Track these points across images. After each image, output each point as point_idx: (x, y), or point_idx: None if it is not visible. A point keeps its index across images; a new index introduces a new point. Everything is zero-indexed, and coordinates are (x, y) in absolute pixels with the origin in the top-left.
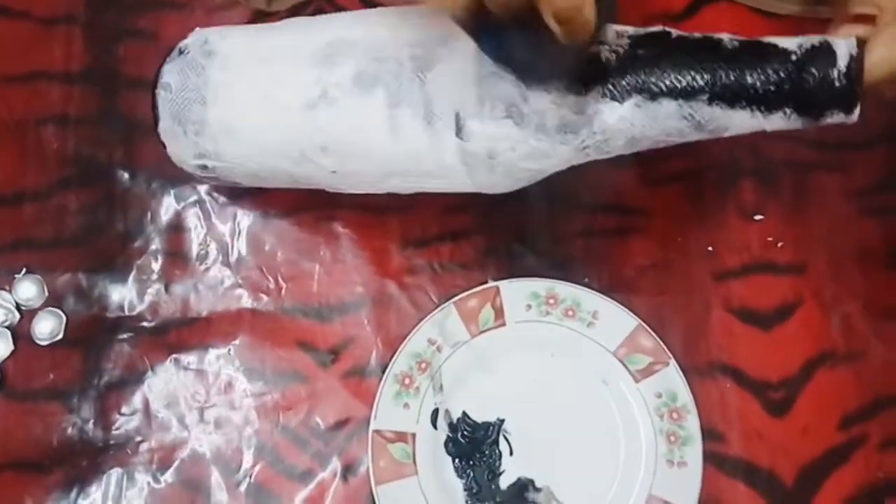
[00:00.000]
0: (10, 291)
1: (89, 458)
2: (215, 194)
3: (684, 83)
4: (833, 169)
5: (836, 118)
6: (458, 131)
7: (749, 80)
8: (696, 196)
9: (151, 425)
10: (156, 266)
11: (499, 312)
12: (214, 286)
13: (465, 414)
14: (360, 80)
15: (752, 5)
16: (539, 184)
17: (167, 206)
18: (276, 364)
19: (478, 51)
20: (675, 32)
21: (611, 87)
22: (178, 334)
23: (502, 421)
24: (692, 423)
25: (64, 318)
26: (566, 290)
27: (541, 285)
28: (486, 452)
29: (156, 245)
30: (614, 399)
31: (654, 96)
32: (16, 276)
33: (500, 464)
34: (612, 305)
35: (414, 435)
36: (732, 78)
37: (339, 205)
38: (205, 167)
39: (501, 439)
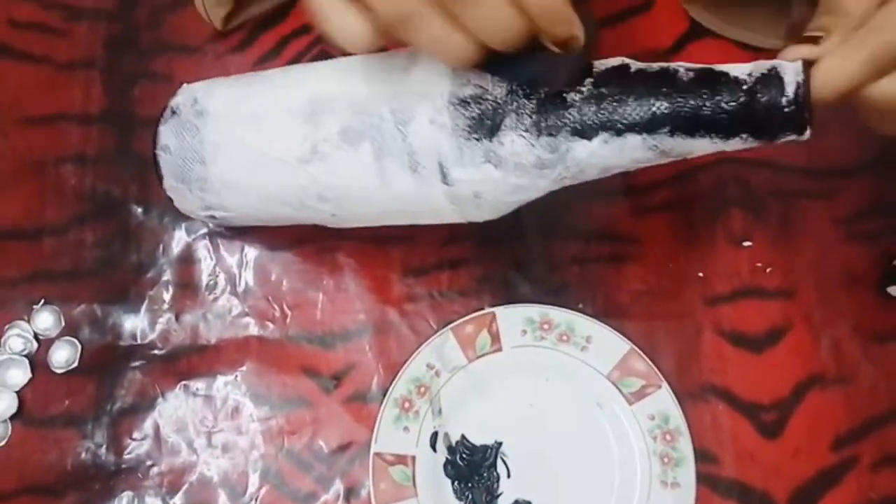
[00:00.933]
0: (28, 322)
1: (102, 482)
2: (225, 228)
3: (646, 118)
4: (819, 196)
5: (789, 138)
6: (444, 178)
7: (704, 111)
8: (685, 224)
9: (161, 450)
10: (167, 296)
11: (495, 338)
12: (223, 315)
13: (463, 437)
14: (346, 135)
15: (736, 39)
16: (534, 215)
17: (178, 239)
18: (281, 390)
19: (451, 104)
20: (633, 65)
21: (578, 125)
22: (187, 362)
23: (500, 444)
24: (685, 445)
25: (79, 347)
26: (560, 316)
27: (535, 311)
28: (485, 475)
29: (167, 276)
30: (608, 421)
31: (619, 132)
32: (34, 307)
33: (497, 486)
34: (605, 330)
35: (414, 458)
36: (689, 111)
37: (342, 236)
38: (213, 217)
39: (499, 462)
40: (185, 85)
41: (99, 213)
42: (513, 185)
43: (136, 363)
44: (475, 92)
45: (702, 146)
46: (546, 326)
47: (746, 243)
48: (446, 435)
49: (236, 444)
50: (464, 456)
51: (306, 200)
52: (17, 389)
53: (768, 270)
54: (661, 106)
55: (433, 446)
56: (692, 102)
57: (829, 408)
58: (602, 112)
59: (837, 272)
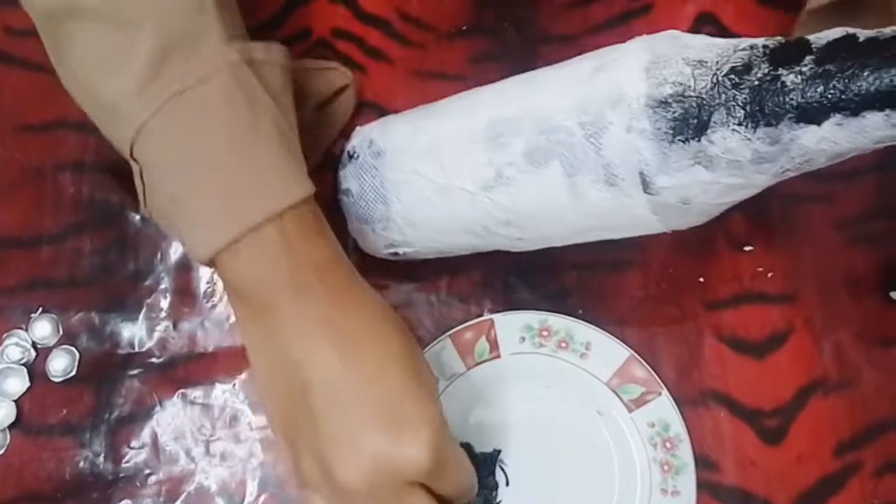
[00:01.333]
0: (26, 330)
1: (100, 491)
2: None
3: (887, 91)
4: (821, 199)
5: None
6: (646, 188)
7: None
8: (686, 229)
9: (160, 458)
10: (165, 304)
11: (493, 345)
12: (220, 322)
13: (464, 445)
14: (533, 156)
15: None
16: None
17: (176, 247)
18: None
19: (649, 107)
20: (861, 34)
21: (804, 110)
22: (185, 370)
23: (498, 452)
24: (685, 452)
25: (77, 356)
26: (559, 322)
27: (534, 318)
28: (484, 483)
29: (165, 284)
30: (608, 429)
31: (855, 112)
32: (32, 315)
33: (496, 494)
34: (605, 337)
35: None
36: None
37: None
38: (396, 254)
39: (498, 470)
40: (358, 127)
41: (97, 222)
42: (725, 185)
43: (134, 371)
44: (675, 90)
45: None
46: (545, 333)
47: (748, 248)
48: None
49: (234, 452)
50: None
51: (492, 227)
52: (15, 398)
53: (770, 275)
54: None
55: None
56: None
57: (832, 413)
58: (832, 91)
59: (840, 276)
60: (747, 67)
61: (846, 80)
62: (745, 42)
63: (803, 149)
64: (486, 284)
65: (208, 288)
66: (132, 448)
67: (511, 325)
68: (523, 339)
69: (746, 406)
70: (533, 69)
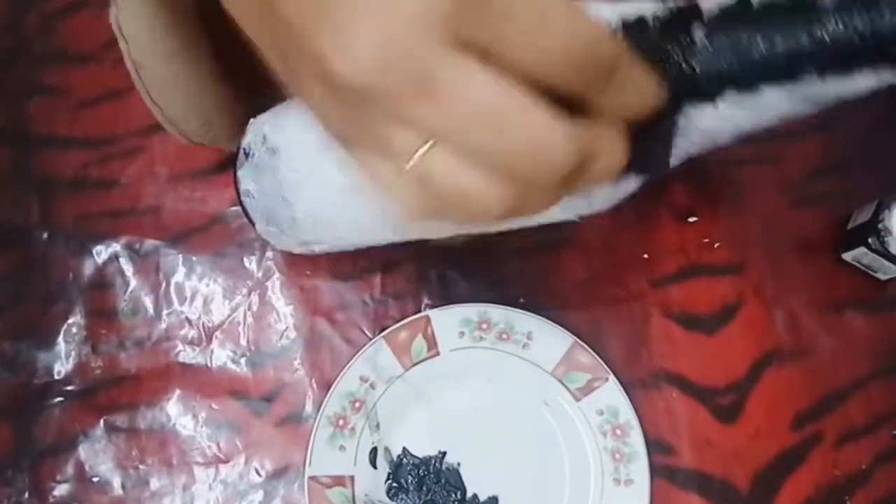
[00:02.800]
0: None
1: None
2: (137, 246)
3: (785, 62)
4: (764, 162)
5: None
6: None
7: (863, 38)
8: (626, 202)
9: (88, 490)
10: (81, 327)
11: (431, 342)
12: (141, 342)
13: (405, 450)
14: None
15: None
16: None
17: (88, 265)
18: (209, 416)
19: None
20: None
21: (695, 87)
22: (107, 395)
23: (444, 453)
24: (636, 439)
25: None
26: (498, 314)
27: (472, 311)
28: (434, 488)
29: (80, 305)
30: (556, 420)
31: (752, 86)
32: None
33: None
34: (547, 324)
35: (352, 477)
36: (841, 41)
37: (264, 245)
38: (312, 250)
39: (453, 474)
40: (251, 120)
41: (0, 244)
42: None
43: (54, 401)
44: None
45: (866, 82)
46: (484, 326)
47: (692, 219)
48: (387, 450)
49: (167, 478)
50: (409, 470)
51: (402, 220)
52: None
53: (716, 245)
54: (802, 42)
55: (373, 463)
56: (843, 29)
57: (788, 385)
58: (726, 65)
59: (788, 241)
60: (637, 43)
61: (740, 53)
62: (633, 11)
63: (702, 130)
64: (422, 279)
65: (126, 306)
66: (58, 482)
67: (448, 319)
68: (462, 333)
69: (699, 384)
70: None
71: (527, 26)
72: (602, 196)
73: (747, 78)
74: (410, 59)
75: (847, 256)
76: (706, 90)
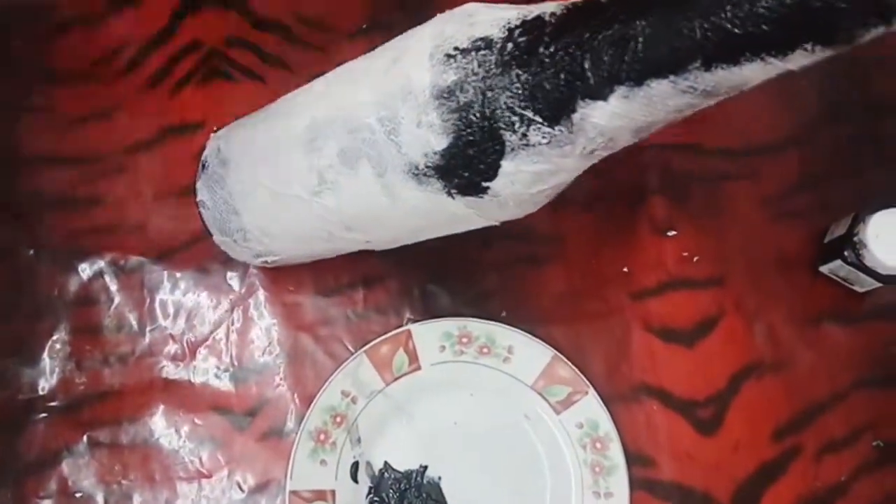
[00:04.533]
0: None
1: None
2: (121, 263)
3: (667, 54)
4: (743, 177)
5: (874, 33)
6: None
7: (743, 26)
8: (606, 217)
9: None
10: (65, 343)
11: (412, 356)
12: (125, 358)
13: (386, 464)
14: (345, 156)
15: None
16: None
17: (73, 281)
18: (192, 431)
19: (434, 97)
20: None
21: (583, 85)
22: (91, 411)
23: (425, 467)
24: (616, 452)
25: None
26: (479, 328)
27: (453, 325)
28: (415, 503)
29: (64, 322)
30: (537, 433)
31: (637, 81)
32: None
33: None
34: (527, 338)
35: (333, 492)
36: (721, 31)
37: (246, 264)
38: (266, 262)
39: (434, 488)
40: (212, 134)
41: None
42: (531, 173)
43: (38, 416)
44: (458, 76)
45: (754, 72)
46: (465, 340)
47: (671, 233)
48: (368, 464)
49: (150, 493)
50: (390, 484)
51: (335, 232)
52: None
53: (695, 259)
54: (683, 32)
55: (354, 477)
56: (722, 18)
57: (768, 397)
58: (609, 60)
59: (767, 255)
60: (531, 44)
61: (621, 47)
62: (535, 11)
63: (598, 126)
64: (404, 293)
65: (110, 322)
66: (41, 498)
67: (429, 334)
68: (443, 347)
69: (679, 397)
70: None
71: None
72: (515, 203)
73: (634, 74)
74: None
75: (824, 269)
76: (596, 89)
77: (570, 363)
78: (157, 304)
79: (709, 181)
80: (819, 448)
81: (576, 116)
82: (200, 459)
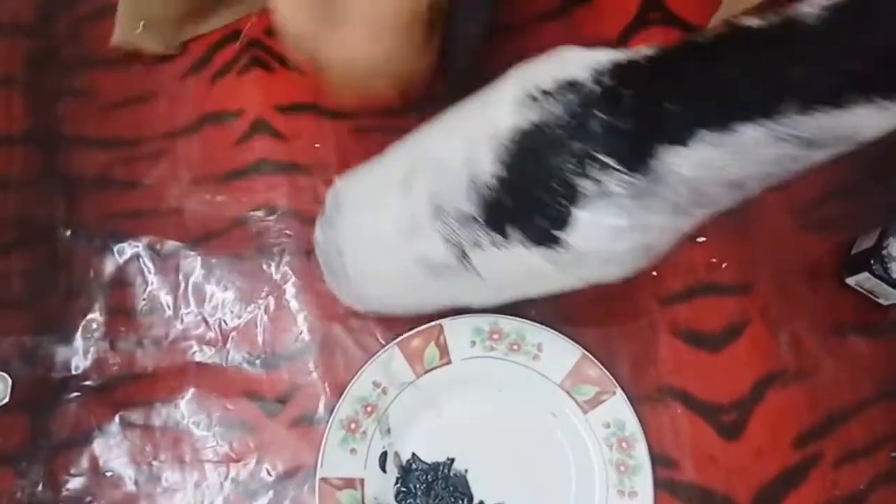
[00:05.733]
0: None
1: None
2: (158, 246)
3: (754, 96)
4: (773, 186)
5: None
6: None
7: (854, 63)
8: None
9: (101, 484)
10: (100, 324)
11: (443, 351)
12: (159, 340)
13: (414, 455)
14: (433, 199)
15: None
16: None
17: (109, 263)
18: (223, 416)
19: (510, 139)
20: (702, 36)
21: (663, 128)
22: (123, 391)
23: (452, 460)
24: (641, 452)
25: (10, 382)
26: (510, 325)
27: (484, 321)
28: (442, 494)
29: (100, 302)
30: (563, 431)
31: (723, 125)
32: None
33: (456, 502)
34: (557, 337)
35: (362, 480)
36: (824, 69)
37: (282, 250)
38: (369, 309)
39: (460, 481)
40: (335, 178)
41: (25, 240)
42: (611, 227)
43: (71, 395)
44: (539, 118)
45: (865, 118)
46: (496, 336)
47: (700, 239)
48: (396, 454)
49: (179, 474)
50: (417, 475)
51: (425, 280)
52: None
53: (724, 265)
54: (774, 70)
55: (382, 467)
56: (828, 53)
57: (790, 405)
58: (692, 102)
59: (795, 264)
60: (615, 87)
61: (709, 88)
62: (629, 54)
63: (681, 177)
64: None
65: (145, 305)
66: (72, 475)
67: (461, 329)
68: (474, 343)
69: (704, 401)
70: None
71: None
72: (597, 261)
73: (719, 117)
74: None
75: (851, 281)
76: (678, 131)
77: (598, 363)
78: (191, 289)
79: None
80: (839, 457)
81: (656, 163)
82: (230, 444)
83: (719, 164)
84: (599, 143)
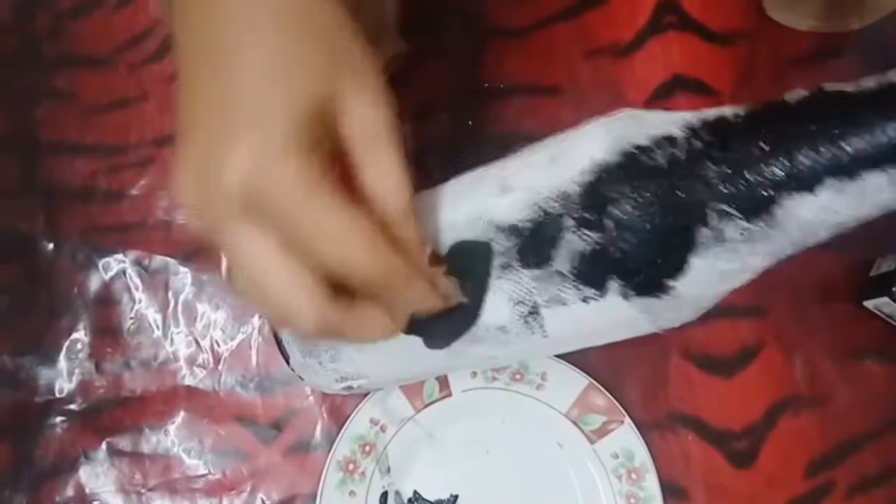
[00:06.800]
0: None
1: None
2: (145, 262)
3: (884, 145)
4: None
5: None
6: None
7: None
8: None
9: None
10: (85, 344)
11: (443, 383)
12: (147, 362)
13: (416, 494)
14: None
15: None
16: None
17: (94, 279)
18: (215, 442)
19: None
20: (835, 87)
21: (794, 177)
22: (110, 416)
23: (455, 497)
24: (652, 483)
25: None
26: None
27: None
28: None
29: (84, 321)
30: (570, 463)
31: (851, 173)
32: None
33: None
34: (561, 365)
35: None
36: None
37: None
38: (350, 387)
39: None
40: None
41: (4, 254)
42: (719, 272)
43: (55, 420)
44: (651, 162)
45: None
46: (498, 366)
47: None
48: (397, 493)
49: None
50: None
51: (458, 345)
52: None
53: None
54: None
55: None
56: None
57: (803, 432)
58: (825, 151)
59: (811, 286)
60: (724, 138)
61: (836, 138)
62: (712, 113)
63: (801, 221)
64: None
65: (132, 324)
66: None
67: None
68: (475, 373)
69: (715, 428)
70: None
71: (308, 235)
72: (691, 306)
73: (848, 166)
74: (210, 212)
75: (869, 304)
76: (805, 181)
77: (605, 391)
78: (181, 308)
79: None
80: (851, 486)
81: (778, 210)
82: (223, 472)
83: (839, 208)
84: (717, 192)
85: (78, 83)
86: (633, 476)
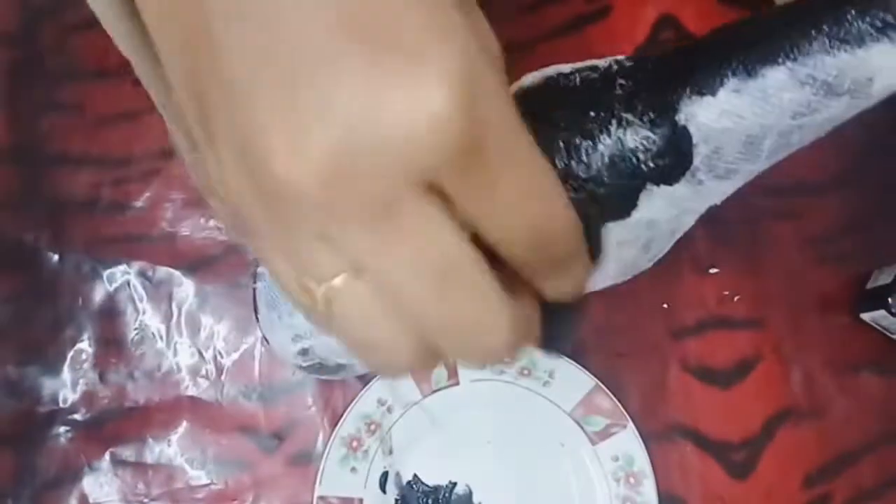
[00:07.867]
0: None
1: None
2: (149, 273)
3: (783, 35)
4: (787, 217)
5: None
6: None
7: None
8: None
9: None
10: (89, 354)
11: (452, 371)
12: (151, 373)
13: (416, 477)
14: None
15: None
16: None
17: (99, 290)
18: (218, 452)
19: None
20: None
21: (689, 78)
22: (114, 426)
23: (454, 484)
24: (649, 489)
25: None
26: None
27: None
28: None
29: (88, 332)
30: (570, 461)
31: (750, 70)
32: None
33: None
34: (570, 365)
35: (361, 500)
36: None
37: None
38: (304, 351)
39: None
40: None
41: (8, 265)
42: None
43: (59, 430)
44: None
45: (883, 59)
46: (507, 359)
47: (713, 270)
48: (398, 475)
49: None
50: (417, 497)
51: None
52: None
53: (736, 299)
54: (798, 9)
55: (382, 487)
56: None
57: (801, 444)
58: (720, 49)
59: (809, 298)
60: (638, 61)
61: (736, 31)
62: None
63: (703, 130)
64: None
65: (136, 335)
66: None
67: None
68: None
69: (713, 439)
70: None
71: (504, 201)
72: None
73: (748, 61)
74: (371, 185)
75: (866, 317)
76: (705, 79)
77: (611, 394)
78: (184, 319)
79: (752, 219)
80: (847, 498)
81: (679, 117)
82: (226, 481)
83: (742, 111)
84: (620, 102)
85: (84, 96)
86: (632, 480)
